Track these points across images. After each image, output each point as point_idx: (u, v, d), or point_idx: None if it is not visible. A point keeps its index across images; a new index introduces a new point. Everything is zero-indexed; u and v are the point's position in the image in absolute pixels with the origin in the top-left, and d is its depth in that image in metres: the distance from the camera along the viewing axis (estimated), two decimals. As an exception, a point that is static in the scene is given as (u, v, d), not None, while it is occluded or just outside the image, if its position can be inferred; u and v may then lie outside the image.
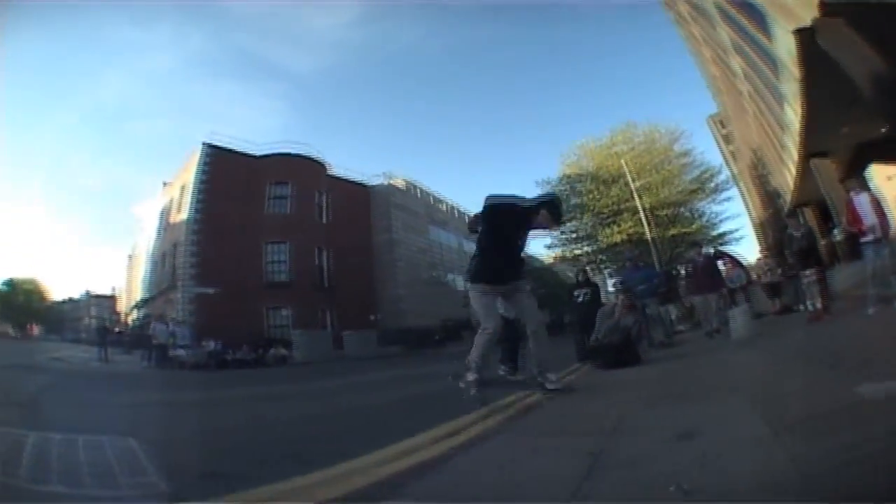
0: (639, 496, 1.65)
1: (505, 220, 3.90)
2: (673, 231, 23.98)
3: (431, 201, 38.65)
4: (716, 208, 25.81)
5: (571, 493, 1.72)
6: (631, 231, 23.82)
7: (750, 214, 29.40)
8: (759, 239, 27.98)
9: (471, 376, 3.90)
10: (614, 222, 24.74)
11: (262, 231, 26.22)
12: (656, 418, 2.90)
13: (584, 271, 9.82)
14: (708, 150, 51.64)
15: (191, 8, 58.53)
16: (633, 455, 2.12)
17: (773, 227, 21.66)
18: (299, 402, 6.38)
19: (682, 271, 13.78)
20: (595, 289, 8.86)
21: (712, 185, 25.58)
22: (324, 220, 29.20)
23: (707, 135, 34.47)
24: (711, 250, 11.88)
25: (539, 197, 4.06)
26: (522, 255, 4.32)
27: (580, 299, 8.34)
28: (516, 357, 6.35)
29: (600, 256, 25.98)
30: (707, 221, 25.66)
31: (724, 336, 7.87)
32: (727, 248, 20.25)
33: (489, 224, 3.92)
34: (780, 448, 1.83)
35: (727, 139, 30.94)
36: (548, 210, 3.94)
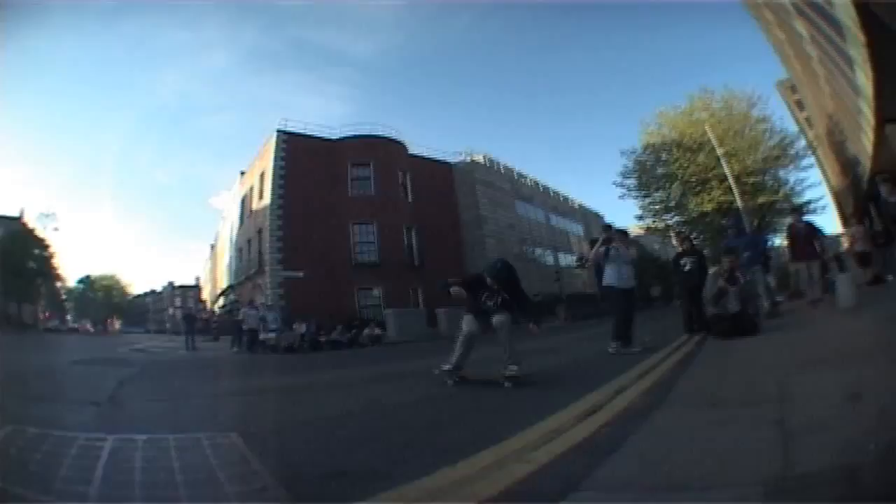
0: (844, 458, 1.57)
1: (474, 286, 4.85)
2: (761, 199, 23.76)
3: (515, 176, 38.06)
4: (800, 175, 25.34)
5: (790, 462, 1.63)
6: (721, 199, 23.51)
7: (828, 182, 28.19)
8: (837, 208, 27.05)
9: (445, 366, 4.51)
10: (703, 190, 24.41)
11: (348, 212, 26.59)
12: (814, 383, 2.84)
13: (689, 239, 9.67)
14: (781, 117, 46.51)
15: (234, 6, 59.77)
16: (817, 420, 2.06)
17: (854, 196, 20.83)
18: (410, 382, 5.71)
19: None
20: (701, 257, 8.63)
21: (793, 151, 25.08)
22: (409, 198, 29.21)
23: (777, 101, 32.37)
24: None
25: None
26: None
27: (686, 268, 7.99)
28: (628, 332, 6.48)
29: (688, 227, 25.26)
30: (791, 189, 25.15)
31: (828, 304, 7.79)
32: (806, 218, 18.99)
33: (470, 287, 4.86)
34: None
35: (800, 105, 29.51)
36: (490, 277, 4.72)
